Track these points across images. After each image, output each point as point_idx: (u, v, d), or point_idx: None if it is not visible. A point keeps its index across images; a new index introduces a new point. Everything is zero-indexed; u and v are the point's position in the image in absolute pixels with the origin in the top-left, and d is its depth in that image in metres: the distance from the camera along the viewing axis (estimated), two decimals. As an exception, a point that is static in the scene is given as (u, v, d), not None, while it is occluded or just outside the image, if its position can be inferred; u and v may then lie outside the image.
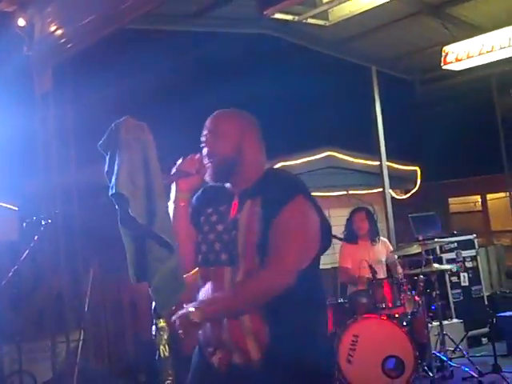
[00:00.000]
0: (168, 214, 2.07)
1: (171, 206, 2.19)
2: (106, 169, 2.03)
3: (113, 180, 1.95)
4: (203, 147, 2.21)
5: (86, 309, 4.77)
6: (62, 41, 6.39)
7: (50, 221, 4.57)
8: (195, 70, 7.49)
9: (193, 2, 6.34)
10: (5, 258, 5.96)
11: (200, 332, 2.11)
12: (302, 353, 2.02)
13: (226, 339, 2.03)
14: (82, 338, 4.83)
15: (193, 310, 1.92)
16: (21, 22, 6.51)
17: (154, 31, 6.74)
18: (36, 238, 4.53)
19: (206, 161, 2.18)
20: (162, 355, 2.01)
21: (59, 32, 6.43)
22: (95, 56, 6.22)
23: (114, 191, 1.94)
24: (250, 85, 7.41)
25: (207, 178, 2.20)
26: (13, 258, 5.25)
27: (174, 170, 2.18)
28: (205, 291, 2.13)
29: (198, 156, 2.18)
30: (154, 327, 2.02)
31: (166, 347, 2.00)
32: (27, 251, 4.53)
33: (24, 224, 4.94)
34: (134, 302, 5.93)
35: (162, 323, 2.00)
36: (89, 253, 5.31)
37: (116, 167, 1.95)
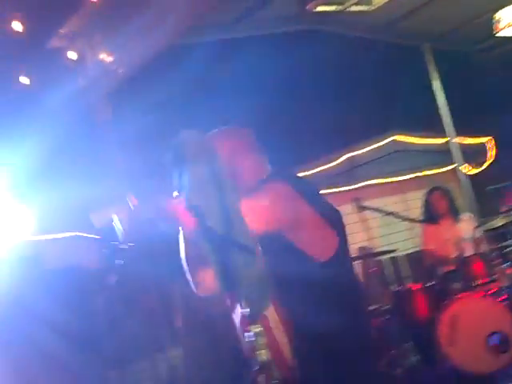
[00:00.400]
0: (243, 217, 2.05)
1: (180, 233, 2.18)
2: (177, 185, 2.07)
3: (186, 195, 1.99)
4: None
5: (181, 323, 4.78)
6: (114, 67, 6.48)
7: (131, 244, 4.61)
8: (250, 75, 7.46)
9: (230, 10, 6.33)
10: (91, 287, 6.06)
11: None
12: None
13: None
14: (180, 353, 4.84)
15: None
16: (72, 55, 6.63)
17: (201, 43, 6.76)
18: (118, 262, 4.57)
19: None
20: (262, 360, 1.96)
21: (110, 59, 6.52)
22: (151, 75, 6.27)
23: (188, 204, 1.97)
24: (305, 83, 7.35)
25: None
26: (100, 286, 5.33)
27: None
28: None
29: None
30: (247, 334, 1.97)
31: (264, 351, 1.96)
32: (111, 277, 4.58)
33: (104, 250, 4.99)
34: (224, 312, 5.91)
35: (257, 329, 1.96)
36: (176, 272, 5.33)
37: (188, 182, 2.00)
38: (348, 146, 7.78)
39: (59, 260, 6.55)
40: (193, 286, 2.24)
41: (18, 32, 5.52)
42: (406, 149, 8.04)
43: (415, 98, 7.74)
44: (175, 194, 2.10)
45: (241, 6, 6.32)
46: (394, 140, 7.96)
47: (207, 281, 2.19)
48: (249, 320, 1.98)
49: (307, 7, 5.70)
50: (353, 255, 6.56)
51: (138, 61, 6.31)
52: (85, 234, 6.79)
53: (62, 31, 6.40)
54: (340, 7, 6.14)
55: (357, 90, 7.90)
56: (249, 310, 1.98)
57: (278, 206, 2.09)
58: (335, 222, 2.20)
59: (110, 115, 6.52)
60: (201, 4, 5.79)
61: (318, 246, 2.10)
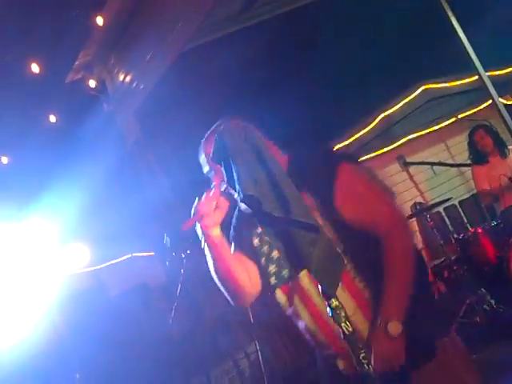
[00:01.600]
0: (300, 196, 1.99)
1: (205, 248, 2.13)
2: (225, 179, 2.03)
3: (237, 187, 1.95)
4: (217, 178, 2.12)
5: (252, 320, 4.82)
6: (134, 85, 6.57)
7: (188, 251, 4.67)
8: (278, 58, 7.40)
9: (231, 3, 6.30)
10: (162, 302, 6.17)
11: None
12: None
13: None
14: (258, 348, 4.88)
15: (389, 328, 1.94)
16: (92, 83, 6.75)
17: (214, 41, 6.75)
18: (182, 271, 4.64)
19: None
20: (347, 332, 1.97)
21: (128, 78, 6.61)
22: (173, 86, 6.32)
23: (242, 196, 1.93)
24: (326, 46, 7.27)
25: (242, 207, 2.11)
26: (169, 298, 5.41)
27: (192, 213, 2.07)
28: (300, 307, 2.10)
29: (212, 192, 2.05)
30: (328, 309, 1.98)
31: (348, 323, 1.96)
32: (179, 286, 4.65)
33: (167, 263, 5.06)
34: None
35: (335, 302, 1.96)
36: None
37: (235, 173, 1.96)
38: (380, 105, 7.67)
39: (122, 284, 6.67)
40: (230, 299, 2.22)
41: (36, 73, 5.64)
42: (439, 95, 7.88)
43: (437, 41, 7.57)
44: (223, 187, 2.05)
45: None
46: (424, 89, 7.80)
47: (241, 292, 2.18)
48: (324, 296, 1.99)
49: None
50: (409, 213, 6.55)
51: (156, 74, 6.37)
52: (140, 254, 6.92)
53: (77, 63, 6.52)
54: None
55: (378, 44, 7.78)
56: (323, 286, 1.98)
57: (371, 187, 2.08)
58: (390, 193, 2.15)
59: (140, 134, 6.60)
60: (202, 5, 5.79)
61: (384, 220, 2.05)
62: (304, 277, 2.07)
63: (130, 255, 7.45)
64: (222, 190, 2.07)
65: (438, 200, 6.48)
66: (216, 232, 2.06)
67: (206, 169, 2.17)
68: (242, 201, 1.95)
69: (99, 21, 5.45)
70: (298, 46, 7.35)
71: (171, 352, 5.57)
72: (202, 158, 2.16)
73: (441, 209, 6.96)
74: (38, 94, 6.02)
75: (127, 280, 6.97)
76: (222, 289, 2.18)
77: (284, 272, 2.10)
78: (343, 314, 1.97)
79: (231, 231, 2.22)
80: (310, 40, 7.68)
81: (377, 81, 7.48)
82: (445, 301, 5.69)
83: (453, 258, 5.53)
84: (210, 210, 2.02)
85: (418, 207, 6.68)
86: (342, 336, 1.97)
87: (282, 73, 7.21)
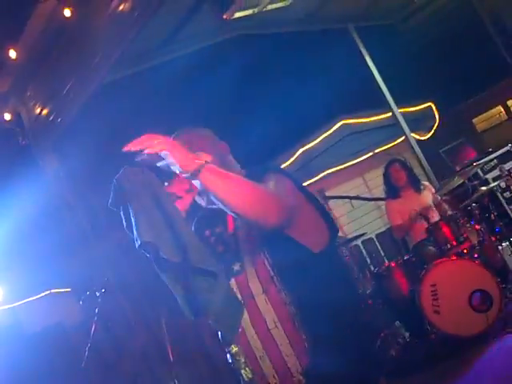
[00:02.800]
0: (198, 240, 1.97)
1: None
2: (124, 224, 1.98)
3: (135, 233, 1.90)
4: None
5: (172, 356, 4.77)
6: (51, 118, 6.44)
7: (103, 290, 4.59)
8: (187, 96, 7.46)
9: (152, 37, 6.33)
10: (75, 341, 6.01)
11: None
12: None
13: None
14: (177, 385, 4.82)
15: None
16: (7, 116, 6.57)
17: (134, 74, 6.74)
18: (96, 310, 4.54)
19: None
20: (246, 378, 1.97)
21: (45, 111, 6.48)
22: (91, 119, 6.25)
23: (139, 243, 1.89)
24: (243, 86, 7.37)
25: (199, 201, 2.17)
26: (84, 338, 5.27)
27: None
28: None
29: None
30: (228, 356, 1.98)
31: (248, 369, 1.97)
32: (93, 326, 4.55)
33: (80, 302, 4.95)
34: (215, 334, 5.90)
35: (234, 348, 1.97)
36: (155, 304, 5.32)
37: (133, 219, 1.90)
38: (300, 140, 7.82)
39: (39, 321, 6.49)
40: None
41: None
42: (356, 130, 8.11)
43: (354, 79, 7.82)
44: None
45: (162, 30, 6.33)
46: (342, 124, 8.02)
47: None
48: (224, 342, 1.98)
49: (224, 16, 5.71)
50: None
51: (74, 107, 6.27)
52: (58, 290, 6.75)
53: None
54: (256, 9, 6.16)
55: (295, 84, 7.96)
56: (221, 333, 1.97)
57: (288, 196, 2.06)
58: (325, 214, 2.18)
59: (58, 167, 6.46)
60: (121, 38, 5.77)
61: (314, 237, 2.09)
62: (233, 285, 2.10)
63: (48, 292, 7.25)
64: None
65: (355, 234, 6.62)
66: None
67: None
68: (139, 247, 1.92)
69: (12, 54, 5.33)
70: (218, 81, 7.42)
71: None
72: None
73: (359, 242, 7.11)
74: None
75: (44, 318, 6.78)
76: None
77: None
78: (243, 361, 1.98)
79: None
80: (234, 73, 7.78)
81: (297, 116, 7.64)
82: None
83: (368, 291, 5.64)
84: (181, 193, 2.07)
85: (337, 241, 6.79)
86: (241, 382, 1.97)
87: (202, 105, 7.26)
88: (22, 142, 6.59)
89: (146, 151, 1.80)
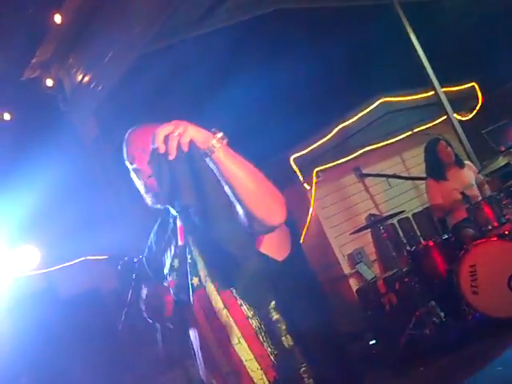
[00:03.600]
0: (224, 211, 1.88)
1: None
2: (160, 187, 1.86)
3: (170, 195, 1.83)
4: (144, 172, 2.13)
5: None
6: (92, 85, 6.48)
7: (141, 256, 4.62)
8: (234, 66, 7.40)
9: (194, 8, 6.30)
10: (110, 306, 6.08)
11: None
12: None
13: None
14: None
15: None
16: (49, 82, 6.63)
17: (173, 45, 6.73)
18: (134, 275, 4.57)
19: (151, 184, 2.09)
20: (287, 345, 1.95)
21: (86, 78, 6.52)
22: (131, 87, 6.26)
23: (181, 205, 1.85)
24: (284, 62, 7.30)
25: (151, 202, 2.12)
26: (121, 303, 5.32)
27: None
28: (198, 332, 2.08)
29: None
30: (256, 326, 1.97)
31: (288, 337, 1.95)
32: (130, 291, 4.58)
33: (119, 267, 4.98)
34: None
35: (275, 316, 1.95)
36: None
37: (166, 183, 1.81)
38: (338, 117, 7.73)
39: (74, 287, 6.57)
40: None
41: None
42: (396, 109, 7.99)
43: (396, 56, 7.69)
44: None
45: (200, 5, 6.31)
46: (382, 102, 7.91)
47: None
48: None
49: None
50: (362, 224, 6.62)
51: (114, 75, 6.30)
52: (94, 257, 6.84)
53: (34, 61, 6.40)
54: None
55: (335, 60, 7.86)
56: (252, 307, 1.95)
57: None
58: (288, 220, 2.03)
59: (97, 135, 6.51)
60: (161, 11, 5.77)
61: (278, 244, 1.97)
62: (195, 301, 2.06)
63: (83, 258, 7.35)
64: None
65: (392, 212, 6.55)
66: None
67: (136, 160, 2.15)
68: (177, 212, 1.88)
69: (57, 19, 5.35)
70: (258, 54, 7.37)
71: (121, 358, 5.50)
72: (136, 149, 2.14)
73: (395, 221, 7.04)
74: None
75: (79, 283, 6.86)
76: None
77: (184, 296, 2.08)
78: (284, 327, 1.95)
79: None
80: (271, 49, 7.72)
81: (336, 92, 7.55)
82: (395, 312, 5.76)
83: (404, 269, 5.60)
84: None
85: (372, 218, 6.75)
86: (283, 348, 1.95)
87: (242, 80, 7.21)
88: (62, 108, 6.66)
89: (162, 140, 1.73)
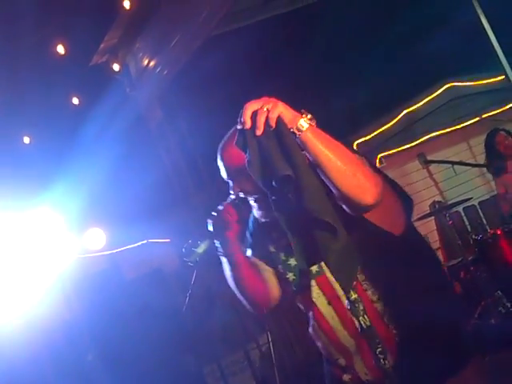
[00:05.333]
0: (318, 189, 1.81)
1: (224, 261, 2.15)
2: (249, 163, 1.85)
3: (267, 172, 1.80)
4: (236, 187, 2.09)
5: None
6: (158, 70, 6.56)
7: (205, 240, 4.67)
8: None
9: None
10: (176, 288, 6.18)
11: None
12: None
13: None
14: (270, 339, 4.87)
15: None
16: (115, 67, 6.75)
17: (239, 29, 6.72)
18: (198, 258, 4.63)
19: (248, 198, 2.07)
20: (364, 326, 1.96)
21: (152, 63, 6.60)
22: (197, 70, 6.30)
23: (278, 176, 1.77)
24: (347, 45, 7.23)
25: (259, 216, 2.09)
26: (182, 285, 5.41)
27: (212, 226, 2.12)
28: (317, 314, 2.06)
29: (228, 205, 2.11)
30: (346, 302, 1.97)
31: (366, 317, 1.95)
32: (195, 274, 4.64)
33: (183, 249, 5.05)
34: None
35: (354, 295, 1.95)
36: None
37: (260, 158, 1.81)
38: (403, 101, 7.61)
39: (137, 268, 6.71)
40: (250, 308, 2.21)
41: (61, 55, 5.66)
42: (463, 94, 7.81)
43: (464, 38, 7.49)
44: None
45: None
46: (449, 87, 7.74)
47: (259, 301, 2.18)
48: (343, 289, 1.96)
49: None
50: (426, 211, 6.50)
51: (180, 60, 6.36)
52: (156, 240, 6.96)
53: (102, 46, 6.52)
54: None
55: (401, 43, 7.73)
56: (340, 282, 1.95)
57: (377, 173, 1.91)
58: (401, 192, 2.03)
59: (162, 119, 6.60)
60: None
61: (393, 218, 1.96)
62: (314, 287, 2.04)
63: (145, 241, 7.48)
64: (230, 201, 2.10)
65: (457, 199, 6.42)
66: (234, 243, 2.12)
67: (224, 176, 2.14)
68: (276, 182, 1.81)
69: (126, 4, 5.43)
70: (321, 37, 7.29)
71: (184, 338, 5.59)
72: (221, 166, 2.12)
73: (460, 208, 6.90)
74: (61, 75, 6.04)
75: (142, 265, 7.00)
76: (240, 298, 2.19)
77: (304, 280, 2.07)
78: (361, 308, 1.96)
79: (248, 237, 2.21)
80: (335, 32, 7.63)
81: (401, 77, 7.42)
82: (460, 301, 5.65)
83: (470, 258, 5.48)
84: (233, 222, 2.06)
85: (436, 206, 6.62)
86: (359, 330, 1.96)
87: (306, 64, 7.18)
88: (128, 92, 6.77)
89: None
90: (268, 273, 2.18)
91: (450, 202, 6.55)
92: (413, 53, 7.79)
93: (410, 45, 7.64)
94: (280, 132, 1.76)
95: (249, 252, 2.19)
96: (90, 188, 5.76)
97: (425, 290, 1.93)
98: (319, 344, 2.13)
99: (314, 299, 2.05)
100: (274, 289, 2.17)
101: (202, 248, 2.09)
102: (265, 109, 1.72)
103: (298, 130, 1.72)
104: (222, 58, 6.12)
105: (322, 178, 1.77)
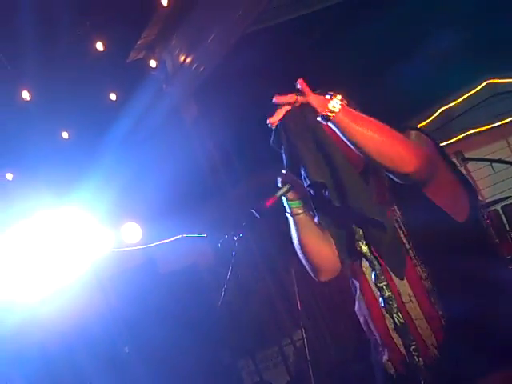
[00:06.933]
0: (361, 188, 1.91)
1: (291, 221, 2.12)
2: (285, 164, 1.99)
3: (302, 173, 1.91)
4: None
5: (300, 307, 4.83)
6: (194, 66, 6.60)
7: (241, 235, 4.69)
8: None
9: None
10: (211, 283, 6.22)
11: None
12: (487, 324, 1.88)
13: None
14: (304, 336, 4.88)
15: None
16: (152, 63, 6.81)
17: (276, 25, 6.71)
18: (234, 253, 4.66)
19: None
20: (398, 323, 1.96)
21: (189, 59, 6.64)
22: (232, 67, 6.32)
23: (308, 182, 1.88)
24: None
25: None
26: (217, 280, 5.45)
27: (280, 184, 2.08)
28: (364, 283, 2.06)
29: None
30: (380, 299, 1.97)
31: (400, 314, 1.95)
32: (230, 269, 4.67)
33: (219, 244, 5.09)
34: (342, 288, 5.92)
35: (387, 293, 1.96)
36: (286, 254, 5.39)
37: (299, 159, 1.89)
38: (441, 99, 7.51)
39: (172, 263, 6.77)
40: (311, 273, 2.22)
41: (101, 52, 5.74)
42: (503, 90, 7.67)
43: (504, 33, 7.36)
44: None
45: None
46: (488, 84, 7.61)
47: (322, 267, 2.17)
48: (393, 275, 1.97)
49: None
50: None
51: (217, 57, 6.39)
52: (192, 235, 7.02)
53: (139, 43, 6.59)
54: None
55: (438, 39, 7.62)
56: (392, 269, 1.97)
57: (429, 148, 1.98)
58: (465, 180, 2.06)
59: (197, 115, 6.64)
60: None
61: (455, 205, 1.96)
62: (364, 261, 2.05)
63: (180, 236, 7.53)
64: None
65: (495, 198, 6.33)
66: (299, 204, 2.10)
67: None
68: (308, 186, 1.92)
69: (164, 1, 5.48)
70: (356, 33, 7.23)
71: (219, 333, 5.63)
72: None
73: (498, 207, 6.79)
74: (100, 72, 6.12)
75: (177, 259, 7.06)
76: (303, 262, 2.19)
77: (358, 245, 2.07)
78: (395, 305, 1.97)
79: (312, 205, 2.17)
80: (371, 28, 7.56)
81: (439, 74, 7.32)
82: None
83: (508, 257, 5.40)
84: (294, 182, 2.03)
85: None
86: (393, 327, 1.96)
87: (340, 61, 7.12)
88: (165, 88, 6.83)
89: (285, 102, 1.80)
90: (330, 242, 2.14)
91: (488, 201, 6.45)
92: (451, 49, 7.68)
93: (448, 41, 7.53)
94: (315, 129, 1.82)
95: (315, 218, 2.16)
96: (126, 182, 5.83)
97: (478, 283, 1.91)
98: (361, 319, 2.12)
99: (363, 268, 2.05)
100: (334, 258, 2.14)
101: (283, 190, 2.06)
102: (296, 101, 1.77)
103: (331, 111, 1.75)
104: (256, 55, 6.11)
105: (362, 155, 1.82)
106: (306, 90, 1.77)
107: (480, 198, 7.10)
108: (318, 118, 1.78)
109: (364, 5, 7.09)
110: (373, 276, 2.01)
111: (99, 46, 5.62)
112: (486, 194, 7.19)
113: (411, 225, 1.97)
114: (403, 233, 1.97)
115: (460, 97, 7.34)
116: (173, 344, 5.88)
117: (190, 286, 6.74)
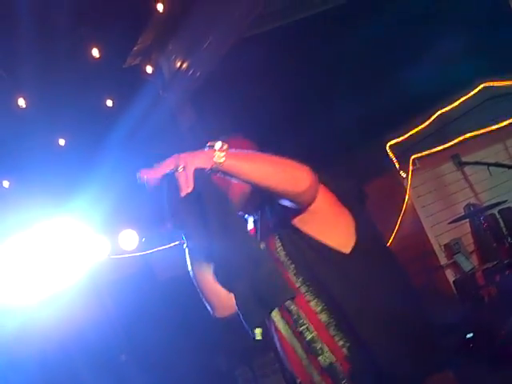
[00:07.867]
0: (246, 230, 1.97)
1: (186, 252, 2.15)
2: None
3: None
4: None
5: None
6: (191, 72, 6.60)
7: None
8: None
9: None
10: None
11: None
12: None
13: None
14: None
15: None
16: (149, 69, 6.80)
17: (272, 30, 6.71)
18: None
19: None
20: (324, 364, 2.07)
21: (185, 65, 6.64)
22: (229, 72, 6.32)
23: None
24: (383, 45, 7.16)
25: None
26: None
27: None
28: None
29: None
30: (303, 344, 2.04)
31: (326, 355, 2.03)
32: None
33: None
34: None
35: (310, 335, 2.04)
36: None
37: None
38: (437, 102, 7.51)
39: (170, 269, 6.75)
40: (209, 310, 2.21)
41: (97, 58, 5.73)
42: (499, 94, 7.68)
43: (499, 37, 7.38)
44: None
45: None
46: (484, 87, 7.62)
47: (220, 302, 2.13)
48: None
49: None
50: (461, 214, 6.42)
51: (213, 61, 6.39)
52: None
53: (136, 48, 6.59)
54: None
55: (434, 42, 7.63)
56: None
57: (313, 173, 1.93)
58: (351, 201, 2.03)
59: (193, 121, 6.63)
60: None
61: (338, 234, 1.96)
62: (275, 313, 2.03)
63: (178, 242, 7.48)
64: None
65: (492, 202, 6.33)
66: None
67: None
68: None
69: (159, 7, 5.48)
70: (355, 36, 7.24)
71: (215, 340, 5.61)
72: None
73: (495, 211, 6.79)
74: (96, 78, 6.11)
75: (175, 266, 7.03)
76: (201, 295, 2.21)
77: None
78: (319, 347, 1.94)
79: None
80: (369, 31, 7.57)
81: (435, 77, 7.32)
82: (495, 306, 5.57)
83: (506, 261, 5.40)
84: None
85: (471, 208, 6.54)
86: (320, 368, 1.94)
87: (338, 65, 7.13)
88: (161, 93, 6.82)
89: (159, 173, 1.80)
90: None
91: (485, 205, 6.45)
92: (447, 53, 7.69)
93: (444, 45, 7.54)
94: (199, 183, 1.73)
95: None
96: (122, 189, 5.81)
97: (374, 310, 1.92)
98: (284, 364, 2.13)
99: (275, 319, 2.06)
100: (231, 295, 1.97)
101: None
102: (180, 169, 1.72)
103: (218, 164, 1.72)
104: (253, 60, 6.12)
105: (258, 189, 1.83)
106: (186, 156, 1.74)
107: (477, 202, 7.11)
108: (208, 172, 1.73)
109: (357, 11, 7.11)
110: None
111: (95, 52, 5.61)
112: (483, 197, 7.19)
113: (296, 263, 1.97)
114: (293, 271, 1.96)
115: (456, 100, 7.34)
116: (170, 350, 5.86)
117: (188, 293, 6.71)
